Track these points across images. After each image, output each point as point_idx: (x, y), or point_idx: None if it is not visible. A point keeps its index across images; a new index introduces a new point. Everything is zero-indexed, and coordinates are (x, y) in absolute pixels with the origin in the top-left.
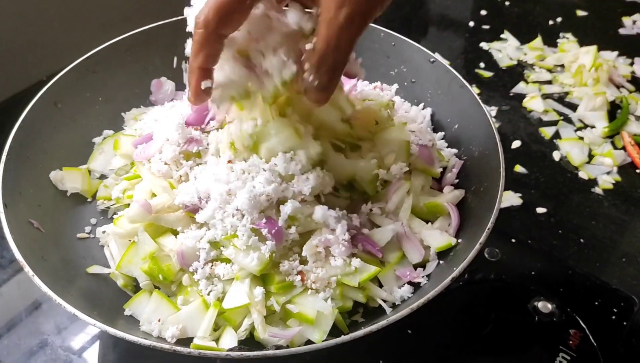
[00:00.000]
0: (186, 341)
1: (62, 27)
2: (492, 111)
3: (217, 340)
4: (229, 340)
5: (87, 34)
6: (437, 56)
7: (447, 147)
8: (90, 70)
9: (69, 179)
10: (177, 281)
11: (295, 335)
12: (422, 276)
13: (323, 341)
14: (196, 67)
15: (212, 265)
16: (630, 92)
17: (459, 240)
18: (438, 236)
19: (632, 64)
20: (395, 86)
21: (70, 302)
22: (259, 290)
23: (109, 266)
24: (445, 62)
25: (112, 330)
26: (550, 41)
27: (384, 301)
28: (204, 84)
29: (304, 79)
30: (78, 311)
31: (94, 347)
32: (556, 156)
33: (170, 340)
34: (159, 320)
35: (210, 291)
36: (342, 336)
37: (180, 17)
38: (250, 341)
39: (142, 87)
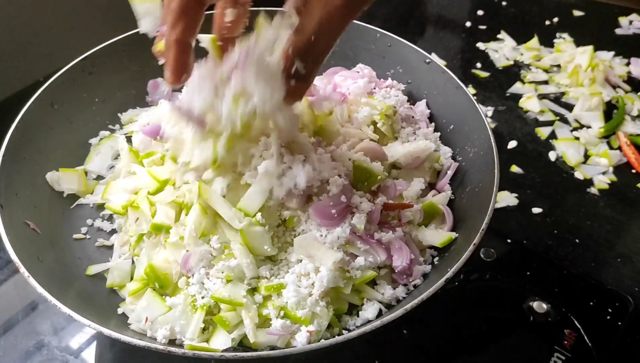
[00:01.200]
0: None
1: (58, 28)
2: (488, 111)
3: (207, 342)
4: (222, 340)
5: (84, 35)
6: (433, 56)
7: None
8: (86, 71)
9: (65, 180)
10: (174, 284)
11: (292, 332)
12: (417, 278)
13: (318, 341)
14: (174, 40)
15: (207, 274)
16: (626, 92)
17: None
18: (437, 234)
19: (628, 64)
20: (402, 85)
21: (65, 303)
22: (258, 297)
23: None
24: (442, 63)
25: (106, 331)
26: (547, 41)
27: (379, 302)
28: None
29: (286, 68)
30: (73, 312)
31: (90, 348)
32: (552, 156)
33: (161, 340)
34: (146, 320)
35: (203, 297)
36: (337, 337)
37: None
38: (241, 345)
39: (138, 88)
